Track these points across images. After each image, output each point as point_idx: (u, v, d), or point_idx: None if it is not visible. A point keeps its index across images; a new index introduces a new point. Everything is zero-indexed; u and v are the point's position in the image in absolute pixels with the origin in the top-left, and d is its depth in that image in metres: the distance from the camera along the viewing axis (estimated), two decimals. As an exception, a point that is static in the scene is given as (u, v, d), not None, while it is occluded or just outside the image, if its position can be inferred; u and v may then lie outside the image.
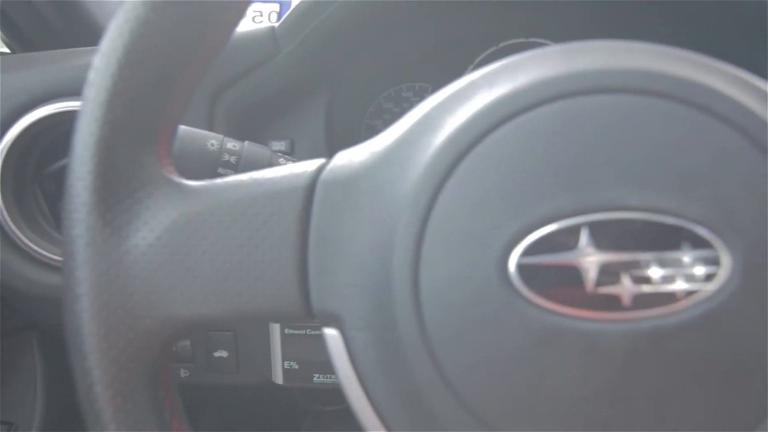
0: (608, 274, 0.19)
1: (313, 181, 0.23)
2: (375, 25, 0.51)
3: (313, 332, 0.46)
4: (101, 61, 0.23)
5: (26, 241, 0.49)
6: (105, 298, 0.23)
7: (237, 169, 0.39)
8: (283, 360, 0.47)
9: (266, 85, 0.50)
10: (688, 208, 0.19)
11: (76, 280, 0.23)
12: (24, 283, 0.50)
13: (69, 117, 0.48)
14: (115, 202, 0.23)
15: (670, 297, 0.19)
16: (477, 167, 0.20)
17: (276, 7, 0.84)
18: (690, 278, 0.19)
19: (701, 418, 0.19)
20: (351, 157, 0.23)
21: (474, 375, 0.20)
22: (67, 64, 0.49)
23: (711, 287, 0.19)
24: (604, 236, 0.19)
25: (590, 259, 0.19)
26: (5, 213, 0.48)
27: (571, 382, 0.19)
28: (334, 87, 0.54)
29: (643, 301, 0.19)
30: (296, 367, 0.47)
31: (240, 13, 0.25)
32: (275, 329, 0.47)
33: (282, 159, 0.42)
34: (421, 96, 0.58)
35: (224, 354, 0.48)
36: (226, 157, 0.39)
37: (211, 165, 0.39)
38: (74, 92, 0.48)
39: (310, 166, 0.23)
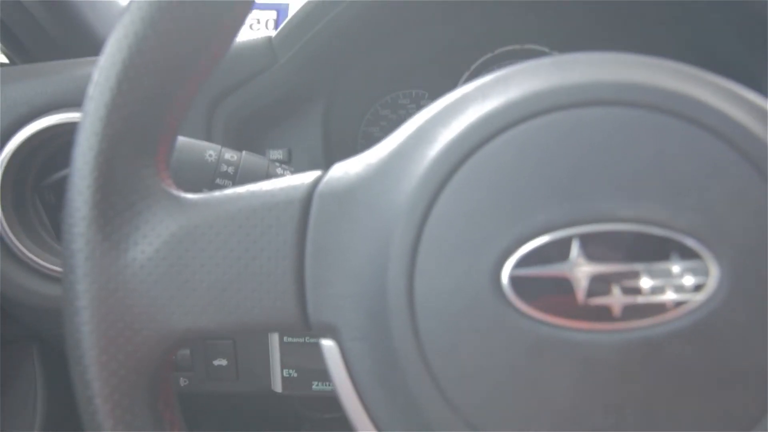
0: (599, 285, 0.19)
1: (309, 193, 0.23)
2: (371, 34, 0.51)
3: (312, 340, 0.46)
4: (100, 76, 0.23)
5: (26, 251, 0.49)
6: (104, 311, 0.23)
7: (235, 179, 0.40)
8: (282, 368, 0.47)
9: (264, 95, 0.50)
10: (677, 220, 0.19)
11: (76, 294, 0.23)
12: (23, 293, 0.50)
13: (69, 128, 0.48)
14: (115, 215, 0.23)
15: (660, 307, 0.19)
16: (470, 179, 0.21)
17: (273, 14, 0.85)
18: (679, 289, 0.19)
19: (692, 425, 0.19)
20: (347, 169, 0.23)
21: (468, 384, 0.20)
22: (67, 75, 0.50)
23: (700, 297, 0.19)
24: (595, 248, 0.20)
25: (581, 271, 0.19)
26: (5, 224, 0.48)
27: (563, 391, 0.20)
28: (331, 95, 0.54)
29: (633, 311, 0.19)
30: (295, 375, 0.47)
31: (237, 27, 0.25)
32: (274, 338, 0.47)
33: (279, 169, 0.42)
34: (418, 103, 0.58)
35: (223, 362, 0.48)
36: (224, 167, 0.39)
37: (209, 175, 0.39)
38: (74, 103, 0.48)
39: (306, 178, 0.24)
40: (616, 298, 0.19)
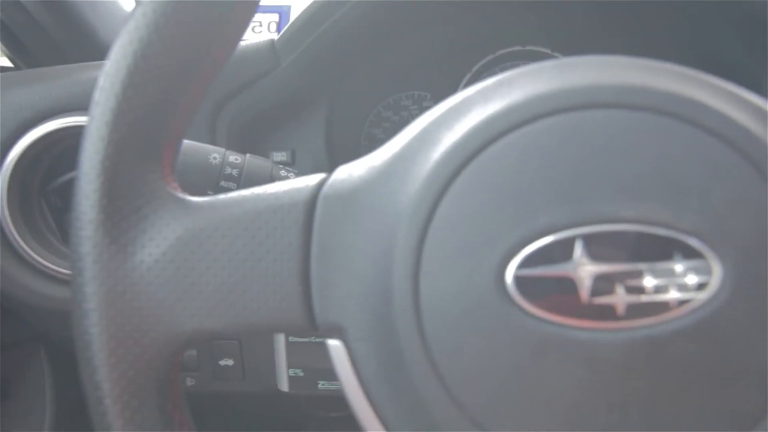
0: (603, 284, 0.20)
1: (314, 196, 0.23)
2: (373, 36, 0.52)
3: (318, 339, 0.46)
4: (106, 82, 0.23)
5: (32, 253, 0.49)
6: (113, 313, 0.23)
7: (239, 181, 0.40)
8: (288, 367, 0.47)
9: (267, 97, 0.50)
10: (680, 220, 0.19)
11: (84, 296, 0.23)
12: (30, 295, 0.51)
13: (73, 132, 0.48)
14: (122, 219, 0.24)
15: (664, 306, 0.19)
16: (474, 181, 0.21)
17: (275, 17, 0.85)
18: (683, 287, 0.19)
19: (695, 424, 0.19)
20: (351, 172, 0.24)
21: (474, 383, 0.21)
22: (71, 79, 0.50)
23: (703, 296, 0.19)
24: (598, 248, 0.20)
25: (585, 270, 0.20)
26: (12, 226, 0.49)
27: (568, 389, 0.20)
28: (334, 97, 0.54)
29: (637, 310, 0.19)
30: (301, 374, 0.47)
31: (240, 32, 0.26)
32: (280, 338, 0.47)
33: (283, 171, 0.42)
34: (420, 104, 0.58)
35: (230, 362, 0.49)
36: (228, 170, 0.40)
37: (213, 178, 0.39)
38: (78, 107, 0.49)
39: (311, 180, 0.24)
40: (619, 297, 0.19)
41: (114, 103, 0.23)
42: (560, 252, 0.20)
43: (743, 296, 0.19)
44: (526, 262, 0.20)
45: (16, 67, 0.60)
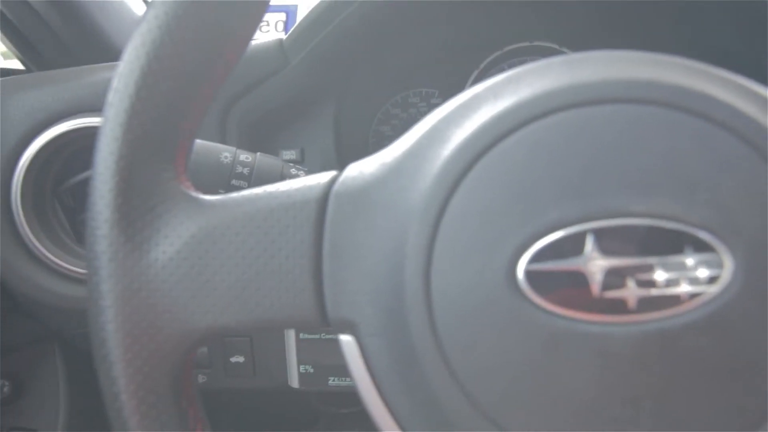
0: (614, 278, 0.20)
1: (325, 193, 0.24)
2: (381, 34, 0.52)
3: (328, 336, 0.47)
4: (119, 83, 0.24)
5: (46, 253, 0.50)
6: (128, 311, 0.24)
7: (250, 180, 0.40)
8: (299, 364, 0.48)
9: (276, 96, 0.51)
10: (690, 213, 0.19)
11: (100, 294, 0.24)
12: (44, 293, 0.51)
13: (85, 132, 0.49)
14: (136, 218, 0.24)
15: (675, 299, 0.19)
16: (484, 177, 0.21)
17: (282, 16, 0.85)
18: (694, 281, 0.19)
19: (707, 417, 0.19)
20: (362, 169, 0.24)
21: (486, 378, 0.21)
22: (82, 81, 0.51)
23: (714, 289, 0.19)
24: (609, 242, 0.20)
25: (596, 264, 0.20)
26: (26, 226, 0.49)
27: (580, 383, 0.20)
28: (342, 95, 0.54)
29: (648, 304, 0.20)
30: (311, 370, 0.48)
31: (251, 32, 0.26)
32: (290, 334, 0.48)
33: (293, 169, 0.43)
34: (428, 101, 0.58)
35: (241, 359, 0.49)
36: (240, 168, 0.40)
37: (225, 176, 0.40)
38: (90, 108, 0.49)
39: (322, 178, 0.24)
40: (631, 291, 0.20)
41: (128, 103, 0.23)
42: (571, 246, 0.20)
43: (754, 289, 0.19)
44: (537, 257, 0.20)
45: (28, 70, 0.61)
